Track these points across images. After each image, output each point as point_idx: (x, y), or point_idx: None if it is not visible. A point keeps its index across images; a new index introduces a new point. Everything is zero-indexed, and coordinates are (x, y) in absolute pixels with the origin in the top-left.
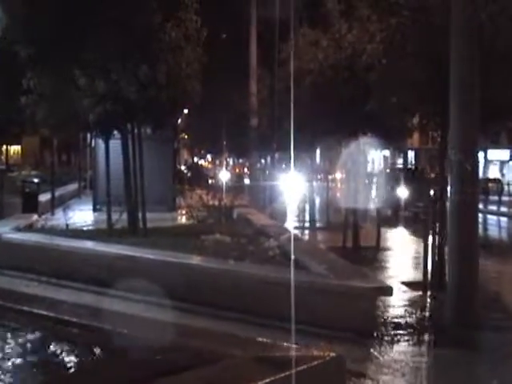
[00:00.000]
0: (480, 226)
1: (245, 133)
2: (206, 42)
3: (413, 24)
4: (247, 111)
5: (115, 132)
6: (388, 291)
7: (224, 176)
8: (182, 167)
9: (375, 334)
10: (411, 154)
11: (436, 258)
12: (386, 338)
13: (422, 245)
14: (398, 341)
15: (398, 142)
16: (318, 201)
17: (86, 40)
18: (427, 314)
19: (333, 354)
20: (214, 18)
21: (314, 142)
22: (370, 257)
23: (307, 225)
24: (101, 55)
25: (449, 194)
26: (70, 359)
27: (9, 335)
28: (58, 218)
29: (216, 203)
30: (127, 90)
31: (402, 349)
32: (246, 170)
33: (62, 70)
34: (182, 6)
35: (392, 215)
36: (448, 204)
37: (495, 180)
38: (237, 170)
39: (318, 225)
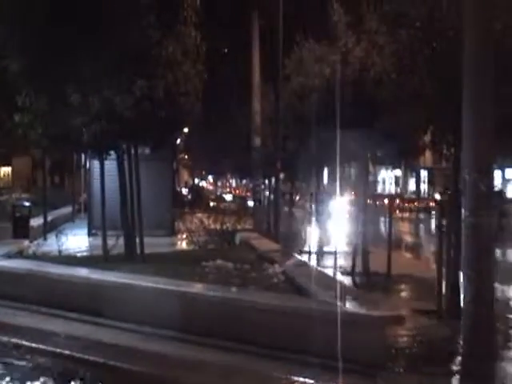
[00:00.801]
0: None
1: (248, 153)
2: (205, 58)
3: (423, 36)
4: (250, 130)
5: (111, 152)
6: (399, 320)
7: (226, 198)
8: (182, 189)
9: (385, 366)
10: (424, 174)
11: (451, 284)
12: (396, 370)
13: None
14: (410, 373)
15: (409, 161)
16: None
17: (80, 55)
18: (441, 344)
19: None
20: (215, 33)
21: (321, 162)
22: (381, 283)
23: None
24: (95, 71)
25: (463, 217)
26: None
27: None
28: (51, 244)
29: (218, 227)
30: (123, 107)
31: (413, 382)
32: (243, 191)
33: (55, 86)
34: (181, 21)
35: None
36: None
37: None
38: (237, 192)
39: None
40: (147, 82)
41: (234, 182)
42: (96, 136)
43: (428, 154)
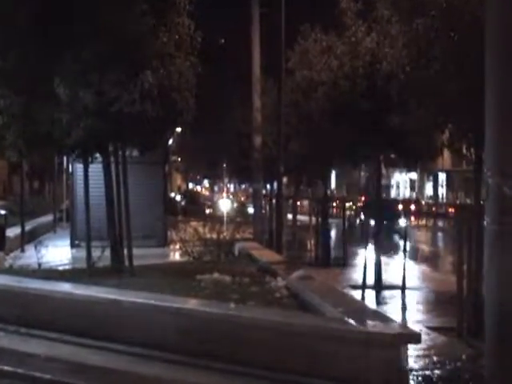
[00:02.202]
0: None
1: (247, 154)
2: (200, 50)
3: (440, 26)
4: (250, 129)
5: (97, 154)
6: (415, 338)
7: (224, 204)
8: (173, 194)
9: None
10: (442, 177)
11: (473, 298)
12: None
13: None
14: None
15: (426, 163)
16: None
17: (66, 47)
18: (462, 365)
19: None
20: (210, 22)
21: (328, 164)
22: (394, 297)
23: None
24: (82, 63)
25: (485, 224)
26: None
27: None
28: (29, 256)
29: (214, 236)
30: (122, 103)
31: None
32: (242, 197)
33: (37, 82)
34: (173, 9)
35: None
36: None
37: None
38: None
39: None
40: (138, 76)
41: (232, 187)
42: (84, 135)
43: (446, 154)
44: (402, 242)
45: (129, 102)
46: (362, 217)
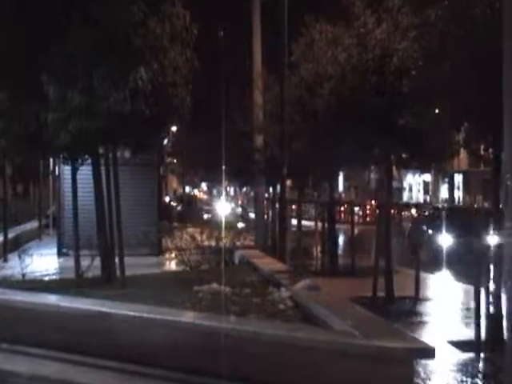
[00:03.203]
0: None
1: (248, 155)
2: (196, 42)
3: (454, 16)
4: (250, 128)
5: (86, 156)
6: (430, 353)
7: (223, 209)
8: (168, 199)
9: None
10: (458, 179)
11: (491, 310)
12: None
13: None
14: None
15: (441, 163)
16: None
17: (50, 39)
18: (480, 381)
19: None
20: (208, 13)
21: (335, 165)
22: (407, 309)
23: None
24: (70, 58)
25: (504, 228)
26: None
27: None
28: (13, 266)
29: (213, 244)
30: (113, 102)
31: None
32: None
33: (22, 76)
34: None
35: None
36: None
37: None
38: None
39: None
40: (130, 71)
41: (232, 190)
42: (73, 136)
43: (463, 154)
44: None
45: (119, 100)
46: (425, 229)
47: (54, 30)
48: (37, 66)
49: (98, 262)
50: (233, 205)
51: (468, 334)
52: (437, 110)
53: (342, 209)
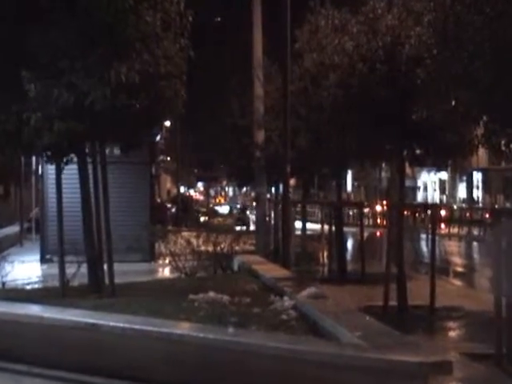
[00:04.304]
0: None
1: (248, 152)
2: (192, 30)
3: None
4: (251, 123)
5: (72, 155)
6: (446, 367)
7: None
8: (159, 200)
9: None
10: (477, 177)
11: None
12: None
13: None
14: None
15: (458, 160)
16: None
17: (33, 32)
18: None
19: None
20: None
21: (343, 163)
22: (422, 319)
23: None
24: (52, 50)
25: None
26: None
27: None
28: None
29: (210, 249)
30: (98, 98)
31: None
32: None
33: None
34: None
35: None
36: None
37: None
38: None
39: None
40: (122, 63)
41: (231, 191)
42: (58, 137)
43: (482, 150)
44: None
45: (104, 95)
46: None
47: (35, 17)
48: (17, 58)
49: (84, 268)
50: (233, 205)
51: (488, 346)
52: (453, 102)
53: (351, 210)
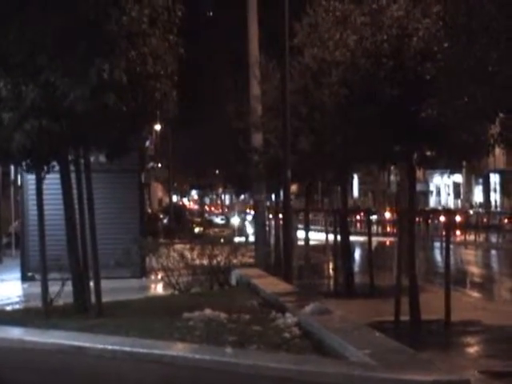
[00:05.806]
0: None
1: (245, 157)
2: (182, 26)
3: None
4: (247, 125)
5: (53, 163)
6: None
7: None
8: (150, 210)
9: None
10: (495, 179)
11: None
12: None
13: None
14: None
15: (473, 162)
16: None
17: (6, 25)
18: None
19: None
20: None
21: (348, 166)
22: (436, 335)
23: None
24: (28, 47)
25: None
26: None
27: None
28: None
29: (205, 262)
30: (75, 98)
31: None
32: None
33: None
34: None
35: None
36: None
37: None
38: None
39: None
40: (104, 61)
41: (227, 199)
42: (32, 134)
43: (499, 151)
44: None
45: (83, 96)
46: None
47: (8, 13)
48: None
49: (69, 287)
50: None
51: (509, 363)
52: (466, 99)
53: (358, 217)
